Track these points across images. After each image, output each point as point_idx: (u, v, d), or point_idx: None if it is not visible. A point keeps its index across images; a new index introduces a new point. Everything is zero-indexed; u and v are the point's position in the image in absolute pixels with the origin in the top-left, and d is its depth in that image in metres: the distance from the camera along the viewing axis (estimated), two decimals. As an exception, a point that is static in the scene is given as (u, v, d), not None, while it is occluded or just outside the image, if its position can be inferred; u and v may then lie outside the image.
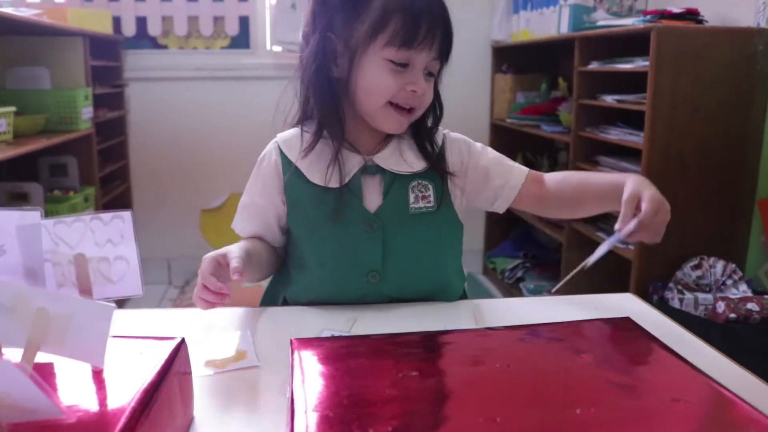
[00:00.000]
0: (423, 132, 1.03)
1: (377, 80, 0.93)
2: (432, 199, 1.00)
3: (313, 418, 0.53)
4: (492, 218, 3.40)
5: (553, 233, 2.66)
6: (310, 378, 0.59)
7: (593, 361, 0.65)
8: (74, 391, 0.57)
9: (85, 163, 2.65)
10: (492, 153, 1.09)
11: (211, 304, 0.87)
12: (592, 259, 0.98)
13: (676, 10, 2.09)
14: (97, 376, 0.59)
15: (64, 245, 0.62)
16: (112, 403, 0.56)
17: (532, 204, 1.08)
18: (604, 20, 2.42)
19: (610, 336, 0.73)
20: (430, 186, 1.00)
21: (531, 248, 3.21)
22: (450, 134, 1.08)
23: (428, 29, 0.91)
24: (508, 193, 1.06)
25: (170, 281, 3.36)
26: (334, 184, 0.97)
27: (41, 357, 0.58)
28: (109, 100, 2.96)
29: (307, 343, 0.68)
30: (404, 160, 1.01)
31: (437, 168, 1.02)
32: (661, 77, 1.90)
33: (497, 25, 3.23)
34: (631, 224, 0.94)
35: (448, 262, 1.05)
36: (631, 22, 2.21)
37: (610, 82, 2.27)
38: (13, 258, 0.61)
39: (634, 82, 2.07)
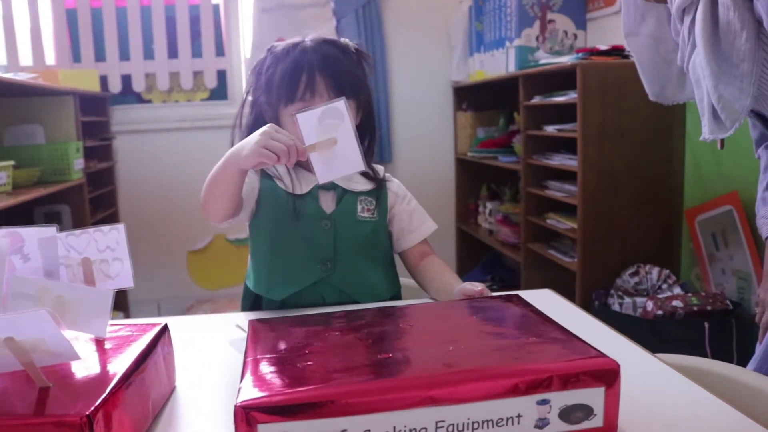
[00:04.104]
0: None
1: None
2: (375, 212, 1.26)
3: (257, 361, 0.73)
4: (463, 246, 3.63)
5: (512, 254, 2.88)
6: (258, 338, 0.80)
7: (475, 320, 0.86)
8: (83, 354, 0.77)
9: (78, 211, 2.85)
10: (413, 203, 1.33)
11: (289, 149, 1.01)
12: None
13: (603, 47, 2.35)
14: (100, 345, 0.80)
15: (74, 251, 0.83)
16: (112, 366, 0.75)
17: (409, 264, 1.32)
18: (545, 59, 2.68)
19: (499, 306, 0.94)
20: (373, 201, 1.26)
21: (498, 272, 3.42)
22: (390, 176, 1.34)
23: (308, 80, 1.16)
24: (403, 243, 1.30)
25: (161, 320, 3.54)
26: (297, 191, 1.21)
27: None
28: (98, 152, 3.18)
29: (259, 321, 0.89)
30: (353, 181, 1.26)
31: (381, 186, 1.28)
32: (589, 107, 2.16)
33: (455, 67, 3.51)
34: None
35: (381, 264, 1.28)
36: (567, 60, 2.47)
37: (552, 114, 2.52)
38: (35, 263, 0.82)
39: (571, 113, 2.32)
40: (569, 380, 0.70)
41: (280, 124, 1.22)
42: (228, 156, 1.09)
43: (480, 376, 0.69)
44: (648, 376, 0.90)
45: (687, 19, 1.05)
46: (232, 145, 1.25)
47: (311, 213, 1.21)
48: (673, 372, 0.91)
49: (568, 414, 0.71)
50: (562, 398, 0.70)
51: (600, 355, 0.74)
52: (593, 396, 0.71)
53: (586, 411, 0.71)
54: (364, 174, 1.27)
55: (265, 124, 1.24)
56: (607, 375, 0.72)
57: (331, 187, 1.23)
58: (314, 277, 1.21)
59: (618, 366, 0.72)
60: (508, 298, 0.96)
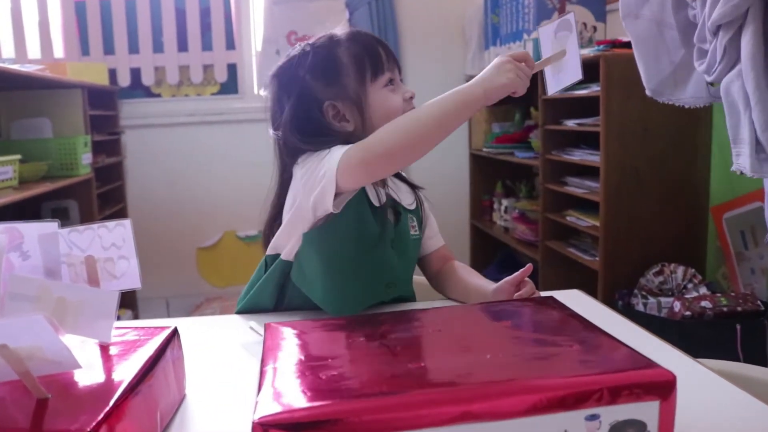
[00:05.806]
0: None
1: (389, 103, 1.13)
2: (418, 229, 1.22)
3: (276, 370, 0.67)
4: (477, 243, 3.56)
5: (529, 252, 2.80)
6: (276, 345, 0.74)
7: (511, 325, 0.79)
8: (85, 360, 0.71)
9: (86, 207, 2.80)
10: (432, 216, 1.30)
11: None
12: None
13: (625, 39, 2.27)
14: (105, 351, 0.74)
15: (77, 249, 0.77)
16: (117, 374, 0.69)
17: (430, 268, 1.28)
18: (565, 51, 2.60)
19: (533, 309, 0.87)
20: (415, 219, 1.22)
21: (514, 270, 3.33)
22: None
23: (386, 52, 1.16)
24: (425, 248, 1.27)
25: (169, 318, 3.49)
26: (378, 202, 1.12)
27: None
28: (107, 147, 3.13)
29: (275, 324, 0.82)
30: (402, 193, 1.21)
31: (419, 196, 1.25)
32: (612, 101, 2.08)
33: (470, 61, 3.43)
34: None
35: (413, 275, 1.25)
36: (588, 52, 2.39)
37: (572, 108, 2.44)
38: (35, 261, 0.76)
39: (592, 107, 2.25)
40: (621, 393, 0.63)
41: (362, 105, 1.12)
42: (467, 90, 1.05)
43: (524, 389, 0.62)
44: (696, 385, 0.83)
45: (724, 36, 0.97)
46: (279, 145, 1.15)
47: (386, 231, 1.13)
48: (723, 381, 0.84)
49: (619, 430, 0.64)
50: (612, 413, 0.63)
51: (653, 365, 0.67)
52: (647, 410, 0.64)
53: (639, 427, 0.64)
54: (403, 180, 1.25)
55: (312, 117, 1.11)
56: (662, 387, 0.65)
57: (391, 203, 1.16)
58: (377, 299, 1.15)
59: (674, 377, 0.66)
60: (543, 301, 0.90)
